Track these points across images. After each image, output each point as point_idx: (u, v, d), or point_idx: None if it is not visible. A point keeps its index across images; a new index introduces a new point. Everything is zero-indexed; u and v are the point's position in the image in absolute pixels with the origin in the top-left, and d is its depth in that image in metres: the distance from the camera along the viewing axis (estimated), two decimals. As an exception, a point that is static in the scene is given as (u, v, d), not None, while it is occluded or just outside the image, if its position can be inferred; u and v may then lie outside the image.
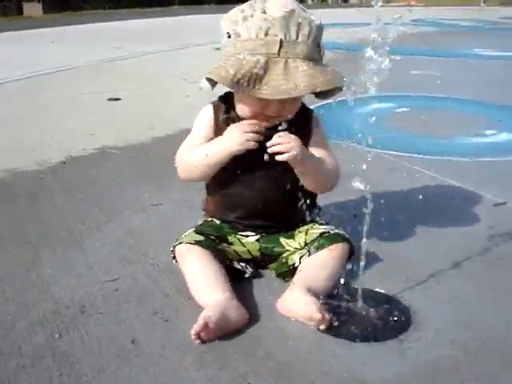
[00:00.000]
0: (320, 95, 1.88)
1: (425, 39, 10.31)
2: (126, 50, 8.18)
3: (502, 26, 14.59)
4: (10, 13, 23.36)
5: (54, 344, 1.58)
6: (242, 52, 1.73)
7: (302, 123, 1.94)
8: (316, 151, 1.91)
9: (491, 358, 1.54)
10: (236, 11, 1.82)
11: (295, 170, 1.82)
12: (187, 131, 3.69)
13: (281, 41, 1.71)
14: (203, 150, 1.87)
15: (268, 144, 1.76)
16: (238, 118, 1.88)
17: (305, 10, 1.81)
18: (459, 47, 9.11)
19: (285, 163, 1.80)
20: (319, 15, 1.84)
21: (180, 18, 16.38)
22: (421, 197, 2.64)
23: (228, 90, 1.89)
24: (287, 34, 1.72)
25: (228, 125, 1.88)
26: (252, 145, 1.78)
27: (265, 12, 1.76)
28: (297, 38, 1.74)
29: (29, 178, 2.93)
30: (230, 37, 1.78)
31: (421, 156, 3.26)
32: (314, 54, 1.78)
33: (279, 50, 1.71)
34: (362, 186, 1.75)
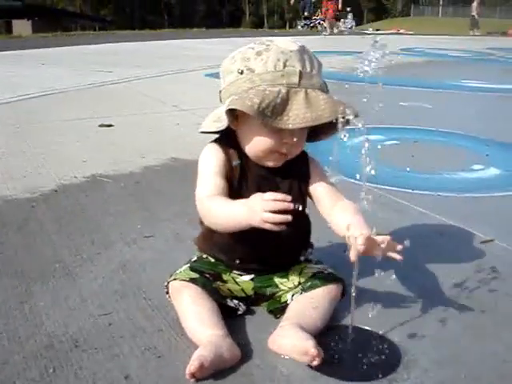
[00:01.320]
0: (316, 136, 1.93)
1: (413, 69, 10.41)
2: (117, 74, 8.21)
3: (489, 58, 14.76)
4: (-1, 31, 23.43)
5: (48, 379, 1.59)
6: (261, 84, 1.77)
7: (300, 164, 1.98)
8: (321, 187, 1.97)
9: (478, 400, 1.57)
10: (245, 49, 1.87)
11: None
12: (178, 160, 3.76)
13: (300, 71, 1.77)
14: (223, 211, 1.79)
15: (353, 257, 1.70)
16: (253, 166, 1.90)
17: None
18: (447, 78, 9.21)
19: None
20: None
21: (170, 42, 16.45)
22: (409, 233, 2.67)
23: (223, 134, 1.91)
24: (304, 65, 1.79)
25: (243, 173, 1.88)
26: (269, 227, 1.63)
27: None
28: (311, 70, 1.80)
29: (20, 205, 2.94)
30: (242, 73, 1.82)
31: (409, 191, 3.30)
32: (325, 87, 1.84)
33: (299, 81, 1.76)
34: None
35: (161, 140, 4.47)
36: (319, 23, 29.95)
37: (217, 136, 1.97)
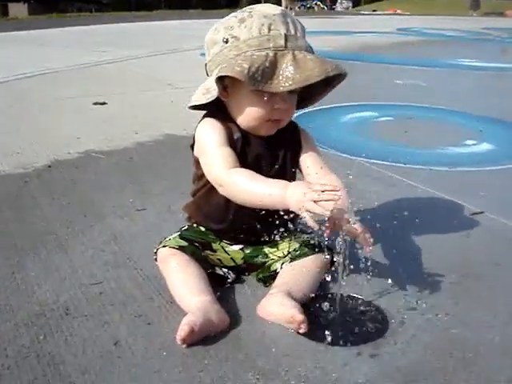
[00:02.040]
0: (305, 102, 1.96)
1: (409, 48, 10.41)
2: (112, 54, 8.19)
3: (485, 37, 14.75)
4: (-5, 13, 23.36)
5: (38, 345, 1.61)
6: (248, 50, 1.76)
7: (292, 133, 1.99)
8: (310, 159, 1.96)
9: (463, 365, 1.58)
10: (227, 19, 1.87)
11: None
12: (171, 136, 3.77)
13: (285, 34, 1.77)
14: (256, 188, 1.73)
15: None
16: (252, 138, 1.89)
17: None
18: (443, 57, 9.21)
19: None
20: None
21: (166, 23, 16.39)
22: (400, 205, 2.70)
23: (213, 107, 1.90)
24: (288, 28, 1.79)
25: (244, 145, 1.87)
26: (306, 215, 1.61)
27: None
28: (295, 32, 1.81)
29: (13, 181, 2.95)
30: (227, 41, 1.81)
31: (401, 165, 3.30)
32: (310, 49, 1.84)
33: (285, 43, 1.76)
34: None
35: (154, 117, 4.47)
36: (316, 4, 29.87)
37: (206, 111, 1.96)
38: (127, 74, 6.76)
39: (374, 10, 32.75)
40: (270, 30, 1.77)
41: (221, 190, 1.82)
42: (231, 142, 1.86)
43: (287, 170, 1.94)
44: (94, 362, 1.55)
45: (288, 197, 1.65)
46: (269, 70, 1.71)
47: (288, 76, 1.71)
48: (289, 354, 1.61)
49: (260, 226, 1.92)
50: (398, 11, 30.61)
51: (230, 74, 1.71)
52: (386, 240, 2.32)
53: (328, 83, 1.84)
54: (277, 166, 1.92)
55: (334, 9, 34.72)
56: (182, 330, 1.59)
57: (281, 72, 1.72)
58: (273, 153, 1.93)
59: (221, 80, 1.77)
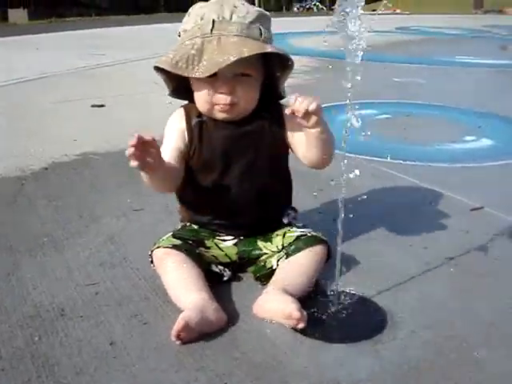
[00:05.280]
0: (275, 78, 1.94)
1: (408, 47, 10.39)
2: (111, 57, 8.17)
3: (484, 35, 14.71)
4: (-6, 19, 23.35)
5: (33, 347, 1.59)
6: (185, 41, 1.84)
7: (275, 115, 1.95)
8: (298, 134, 1.91)
9: (464, 360, 1.57)
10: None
11: (311, 133, 1.81)
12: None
13: (213, 21, 1.81)
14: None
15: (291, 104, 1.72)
16: (211, 122, 1.93)
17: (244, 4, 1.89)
18: (442, 55, 9.19)
19: (261, 163, 1.91)
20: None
21: (165, 26, 16.32)
22: (399, 202, 2.69)
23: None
24: (220, 14, 1.82)
25: (201, 128, 1.93)
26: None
27: None
28: (230, 18, 1.82)
29: (10, 183, 2.93)
30: (179, 35, 1.90)
31: (400, 162, 3.29)
32: (254, 34, 1.83)
33: (212, 29, 1.80)
34: (341, 191, 1.77)
35: (152, 118, 4.40)
36: (315, 4, 29.86)
37: None
38: (125, 76, 6.74)
39: (374, 10, 32.66)
40: (202, 18, 1.83)
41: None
42: (189, 129, 1.95)
43: (263, 157, 1.95)
44: (89, 362, 1.53)
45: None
46: (195, 58, 1.77)
47: (209, 61, 1.76)
48: (286, 351, 1.59)
49: (250, 210, 1.97)
50: (398, 10, 30.57)
51: (157, 64, 1.83)
52: (385, 236, 2.31)
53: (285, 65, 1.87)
54: (251, 152, 1.93)
55: (333, 9, 34.69)
56: (177, 325, 1.58)
57: (205, 57, 1.77)
58: (246, 137, 1.93)
59: None
